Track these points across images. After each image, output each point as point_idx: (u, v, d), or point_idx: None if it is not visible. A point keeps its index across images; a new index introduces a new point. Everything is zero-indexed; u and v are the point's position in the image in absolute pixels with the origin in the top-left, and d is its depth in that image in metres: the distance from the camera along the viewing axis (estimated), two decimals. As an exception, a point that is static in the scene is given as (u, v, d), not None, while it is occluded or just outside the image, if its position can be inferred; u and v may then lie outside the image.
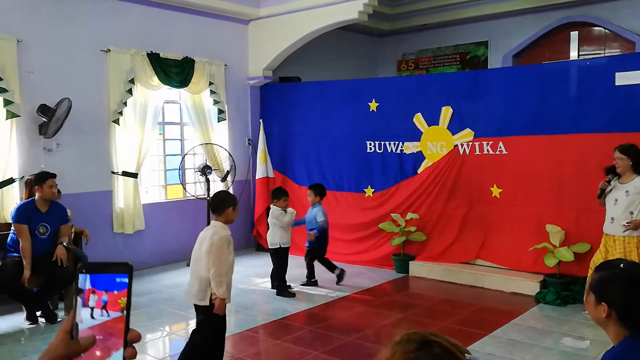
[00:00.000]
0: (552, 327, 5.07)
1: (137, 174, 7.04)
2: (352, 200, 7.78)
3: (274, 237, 6.17)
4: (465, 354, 1.04)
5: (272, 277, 6.36)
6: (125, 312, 0.94)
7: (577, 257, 5.77)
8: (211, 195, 4.37)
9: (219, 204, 3.98)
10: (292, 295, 6.09)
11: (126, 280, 0.95)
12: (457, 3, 9.10)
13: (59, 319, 5.27)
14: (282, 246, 6.15)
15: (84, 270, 0.95)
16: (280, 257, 6.20)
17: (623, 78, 5.67)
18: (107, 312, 0.93)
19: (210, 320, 3.84)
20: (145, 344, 4.84)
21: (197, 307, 3.89)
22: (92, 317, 0.93)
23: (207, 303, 3.80)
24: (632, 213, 4.81)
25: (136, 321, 5.28)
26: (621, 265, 2.02)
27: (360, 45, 10.58)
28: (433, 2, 9.30)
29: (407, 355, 1.03)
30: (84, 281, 0.94)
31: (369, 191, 7.59)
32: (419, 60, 10.44)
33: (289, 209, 6.22)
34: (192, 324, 5.38)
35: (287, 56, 8.44)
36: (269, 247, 6.27)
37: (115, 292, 0.94)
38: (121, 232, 7.00)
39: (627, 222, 4.78)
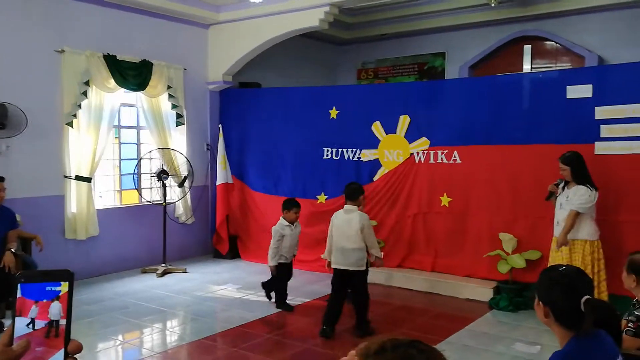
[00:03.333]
0: (505, 333, 5.19)
1: (90, 178, 6.86)
2: (303, 207, 7.75)
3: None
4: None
5: (264, 286, 6.10)
6: (65, 321, 0.93)
7: (529, 264, 5.94)
8: (345, 185, 5.24)
9: (354, 192, 5.08)
10: (290, 308, 5.85)
11: (58, 288, 0.93)
12: (416, 14, 9.26)
13: (5, 327, 5.07)
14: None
15: (22, 280, 0.93)
16: (277, 272, 5.89)
17: (574, 91, 5.88)
18: (35, 321, 0.92)
19: (365, 278, 5.15)
20: (97, 354, 4.70)
21: (352, 272, 5.01)
22: (27, 326, 0.92)
23: (364, 268, 5.06)
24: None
25: (88, 330, 5.15)
26: (561, 268, 2.14)
27: (321, 52, 10.63)
28: (392, 12, 9.43)
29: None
30: (16, 290, 0.93)
31: (322, 198, 7.60)
32: (379, 70, 10.57)
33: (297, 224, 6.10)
34: (146, 332, 5.28)
35: (248, 61, 8.41)
36: None
37: (45, 300, 0.93)
38: (73, 238, 6.79)
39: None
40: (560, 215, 5.21)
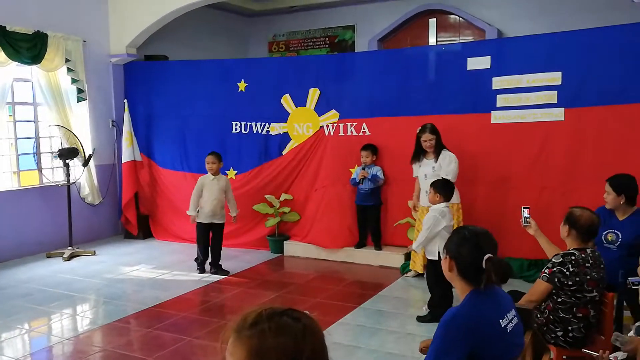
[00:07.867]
0: (415, 296, 5.47)
1: (-17, 159, 6.39)
2: None
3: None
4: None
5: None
6: None
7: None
8: None
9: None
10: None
11: None
12: (325, -14, 9.26)
13: None
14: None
15: None
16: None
17: (474, 63, 6.16)
18: None
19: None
20: (1, 344, 4.45)
21: None
22: None
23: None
24: None
25: (-13, 320, 4.84)
26: (471, 227, 2.29)
27: (231, 24, 10.39)
28: (301, -16, 9.38)
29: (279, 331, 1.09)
30: None
31: (231, 173, 7.50)
32: (290, 42, 10.51)
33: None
34: (54, 318, 5.06)
35: (155, 34, 8.07)
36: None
37: None
38: (-33, 225, 6.33)
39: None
40: (427, 185, 5.27)
